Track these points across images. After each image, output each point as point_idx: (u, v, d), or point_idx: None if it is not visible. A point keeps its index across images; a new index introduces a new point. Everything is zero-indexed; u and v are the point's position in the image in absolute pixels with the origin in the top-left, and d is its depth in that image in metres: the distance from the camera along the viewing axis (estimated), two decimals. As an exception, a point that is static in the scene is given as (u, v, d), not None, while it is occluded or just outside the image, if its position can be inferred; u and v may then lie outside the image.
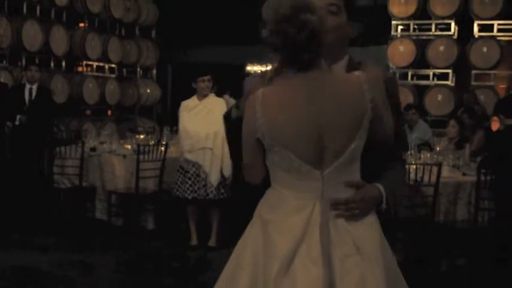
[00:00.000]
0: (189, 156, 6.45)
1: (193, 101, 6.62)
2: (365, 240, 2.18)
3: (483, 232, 5.66)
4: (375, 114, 2.21)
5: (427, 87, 10.26)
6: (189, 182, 6.45)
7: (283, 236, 2.18)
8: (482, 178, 5.60)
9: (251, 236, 2.30)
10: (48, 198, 7.38)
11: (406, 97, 9.57)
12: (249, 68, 12.84)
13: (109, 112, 11.92)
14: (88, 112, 11.47)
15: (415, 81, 10.50)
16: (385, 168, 2.43)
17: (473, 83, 9.94)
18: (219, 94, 6.89)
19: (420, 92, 10.25)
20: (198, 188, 6.43)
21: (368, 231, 2.22)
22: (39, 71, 8.57)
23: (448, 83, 10.21)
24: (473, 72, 9.93)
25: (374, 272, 2.14)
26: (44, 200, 7.40)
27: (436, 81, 10.29)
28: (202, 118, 6.48)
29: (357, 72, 2.24)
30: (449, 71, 10.15)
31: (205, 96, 6.56)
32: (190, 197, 6.47)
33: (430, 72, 10.32)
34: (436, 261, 5.73)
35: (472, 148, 6.93)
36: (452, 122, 7.03)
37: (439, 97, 10.04)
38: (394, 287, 2.22)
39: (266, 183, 2.34)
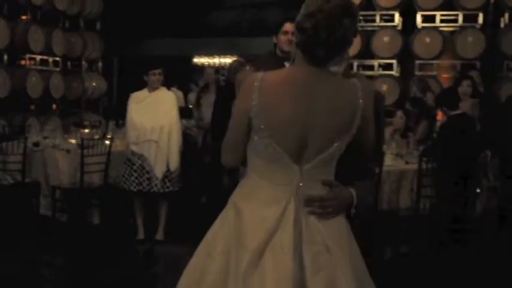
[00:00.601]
0: (134, 148, 6.42)
1: (143, 93, 6.60)
2: (334, 239, 2.23)
3: (424, 218, 5.79)
4: (363, 123, 2.28)
5: (372, 77, 10.39)
6: (135, 175, 6.41)
7: (256, 228, 2.20)
8: (424, 166, 5.72)
9: (224, 225, 2.31)
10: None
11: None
12: (196, 60, 12.79)
13: (54, 106, 11.72)
14: (32, 107, 11.25)
15: (361, 72, 10.60)
16: (357, 178, 2.49)
17: (417, 72, 10.07)
18: (167, 86, 6.88)
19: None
20: (143, 181, 6.39)
21: (337, 230, 2.27)
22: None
23: (393, 73, 10.34)
24: (417, 62, 10.07)
25: (343, 271, 2.18)
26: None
27: (381, 72, 10.41)
28: (150, 111, 6.46)
29: (353, 80, 2.32)
30: (394, 61, 10.28)
31: (155, 89, 6.54)
32: (135, 190, 6.42)
33: (375, 62, 10.44)
34: (380, 250, 5.84)
35: (416, 138, 7.06)
36: (399, 113, 7.14)
37: (384, 87, 10.16)
38: (362, 285, 2.26)
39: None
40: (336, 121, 2.23)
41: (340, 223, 2.30)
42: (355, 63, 10.40)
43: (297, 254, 2.15)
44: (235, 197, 2.35)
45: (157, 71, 6.51)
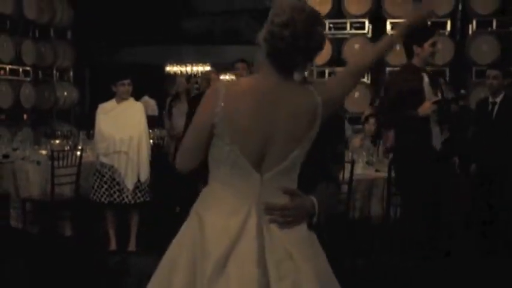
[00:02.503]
0: (104, 159, 6.37)
1: (111, 104, 6.54)
2: (296, 245, 2.25)
3: (394, 227, 5.83)
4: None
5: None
6: (105, 186, 6.36)
7: (219, 237, 2.21)
8: (393, 174, 5.75)
9: (187, 234, 2.31)
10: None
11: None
12: (169, 68, 12.75)
13: (25, 116, 11.60)
14: (2, 117, 11.12)
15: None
16: (320, 184, 2.51)
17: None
18: (139, 95, 6.84)
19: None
20: (114, 192, 6.34)
21: (299, 235, 2.29)
22: None
23: (364, 80, 10.42)
24: (388, 69, 10.16)
25: (307, 277, 2.20)
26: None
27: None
28: (119, 121, 6.42)
29: (310, 87, 2.35)
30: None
31: (124, 99, 6.47)
32: (106, 201, 6.37)
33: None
34: (352, 258, 5.86)
35: (386, 145, 7.10)
36: (371, 120, 7.20)
37: (356, 94, 10.23)
38: None
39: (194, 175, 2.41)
40: (296, 130, 2.28)
41: (300, 228, 2.32)
42: (327, 71, 10.46)
43: (261, 262, 2.18)
44: (198, 206, 2.35)
45: (126, 82, 6.43)
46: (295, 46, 2.24)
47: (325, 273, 2.31)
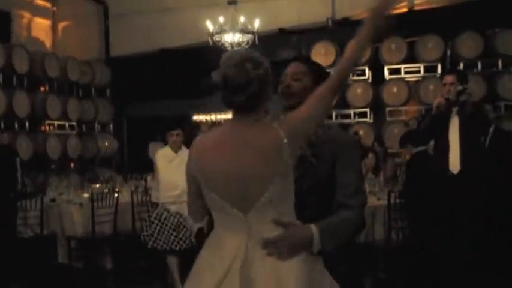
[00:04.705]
0: (172, 207, 5.90)
1: (169, 152, 6.07)
2: (290, 277, 2.06)
3: (397, 249, 5.73)
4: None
5: (349, 124, 10.43)
6: (167, 233, 5.87)
7: (210, 270, 2.14)
8: (393, 201, 5.68)
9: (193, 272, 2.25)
10: (12, 248, 7.15)
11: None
12: (195, 117, 12.84)
13: (72, 165, 11.72)
14: (53, 166, 11.24)
15: (339, 120, 10.65)
16: (332, 213, 2.35)
17: (388, 118, 10.14)
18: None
19: (343, 129, 10.38)
20: (176, 238, 5.87)
21: (295, 267, 2.09)
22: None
23: (367, 120, 10.39)
24: (387, 109, 10.13)
25: None
26: (8, 250, 7.17)
27: (357, 119, 10.45)
28: (182, 171, 6.13)
29: (275, 124, 2.17)
30: (367, 109, 10.34)
31: (179, 148, 6.04)
32: (169, 248, 5.86)
33: (351, 111, 10.49)
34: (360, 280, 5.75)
35: (386, 175, 7.06)
36: (370, 155, 7.18)
37: (361, 132, 10.20)
38: None
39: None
40: (263, 168, 2.11)
41: (298, 260, 2.11)
42: (334, 113, 10.45)
43: None
44: (203, 247, 2.28)
45: (175, 132, 6.01)
46: (227, 87, 2.14)
47: None
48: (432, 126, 5.24)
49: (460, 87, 5.19)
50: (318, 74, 2.61)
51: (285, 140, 2.11)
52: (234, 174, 2.12)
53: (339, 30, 10.36)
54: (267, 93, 2.19)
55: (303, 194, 2.34)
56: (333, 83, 2.22)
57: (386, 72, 10.15)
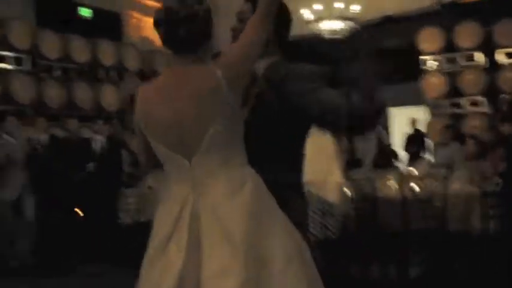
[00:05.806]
0: None
1: None
2: (236, 230, 1.99)
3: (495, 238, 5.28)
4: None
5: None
6: None
7: (162, 224, 2.12)
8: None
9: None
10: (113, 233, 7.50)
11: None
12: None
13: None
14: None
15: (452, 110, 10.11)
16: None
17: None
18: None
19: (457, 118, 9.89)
20: None
21: (241, 221, 2.01)
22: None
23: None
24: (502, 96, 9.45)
25: (237, 259, 1.97)
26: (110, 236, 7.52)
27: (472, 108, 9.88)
28: None
29: (210, 64, 2.11)
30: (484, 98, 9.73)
31: None
32: None
33: (465, 100, 9.95)
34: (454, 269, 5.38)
35: (493, 167, 6.51)
36: (470, 142, 6.70)
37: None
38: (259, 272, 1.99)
39: None
40: (202, 110, 2.05)
41: (246, 211, 2.02)
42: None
43: (192, 247, 2.03)
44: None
45: None
46: (170, 20, 2.09)
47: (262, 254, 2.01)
48: None
49: None
50: None
51: (223, 79, 2.04)
52: (172, 119, 2.08)
53: (447, 14, 9.83)
54: (208, 32, 2.14)
55: (261, 136, 2.23)
56: (261, 9, 2.13)
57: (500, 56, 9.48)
